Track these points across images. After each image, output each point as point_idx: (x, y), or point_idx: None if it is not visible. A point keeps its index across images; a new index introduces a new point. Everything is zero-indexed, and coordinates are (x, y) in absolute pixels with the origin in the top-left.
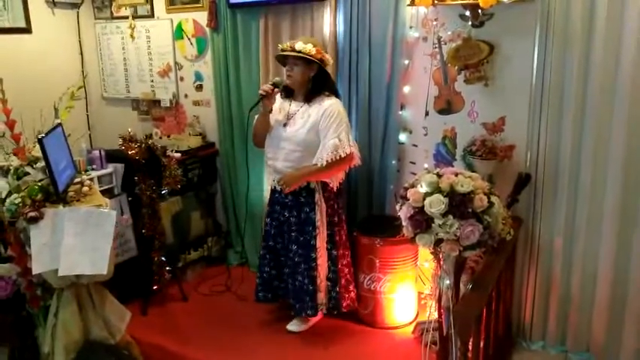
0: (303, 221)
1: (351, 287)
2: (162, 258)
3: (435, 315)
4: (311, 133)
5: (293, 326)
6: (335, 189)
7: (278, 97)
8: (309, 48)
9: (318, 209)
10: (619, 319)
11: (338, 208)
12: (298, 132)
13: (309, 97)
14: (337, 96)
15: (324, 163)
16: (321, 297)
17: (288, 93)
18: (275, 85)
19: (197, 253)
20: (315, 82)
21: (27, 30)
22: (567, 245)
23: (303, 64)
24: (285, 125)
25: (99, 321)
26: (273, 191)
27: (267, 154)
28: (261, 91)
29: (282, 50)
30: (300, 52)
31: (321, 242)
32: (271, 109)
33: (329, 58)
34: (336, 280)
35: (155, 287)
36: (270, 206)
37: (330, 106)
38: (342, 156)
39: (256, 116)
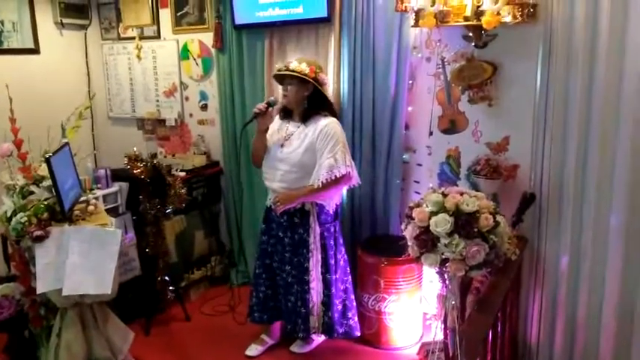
0: (296, 243)
1: (351, 314)
2: (166, 277)
3: (441, 336)
4: (307, 154)
5: (296, 347)
6: (332, 211)
7: (277, 118)
8: (303, 67)
9: (312, 232)
10: (627, 342)
11: (335, 231)
12: (294, 153)
13: (305, 117)
14: (335, 115)
15: (320, 183)
16: (314, 320)
17: (287, 114)
18: (269, 104)
19: (200, 272)
20: (311, 102)
21: (35, 50)
22: (573, 265)
23: (297, 84)
24: (282, 146)
25: (102, 341)
26: (269, 209)
27: (264, 175)
28: (255, 110)
29: (279, 70)
30: (293, 71)
31: (314, 265)
32: (267, 129)
33: (325, 77)
34: (329, 304)
35: (158, 307)
36: (266, 224)
37: (325, 125)
38: (338, 176)
39: (253, 137)
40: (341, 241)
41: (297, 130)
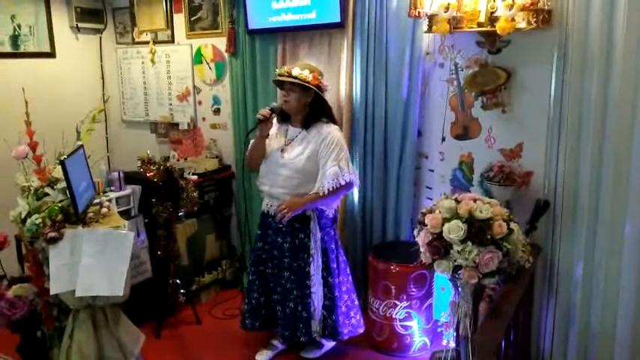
0: (297, 247)
1: (353, 313)
2: (177, 280)
3: (453, 343)
4: (310, 161)
5: (307, 352)
6: (331, 215)
7: (274, 122)
8: (306, 74)
9: (313, 236)
10: None
11: (334, 234)
12: (297, 159)
13: (306, 124)
14: (334, 122)
15: (326, 191)
16: (315, 324)
17: (285, 118)
18: (273, 110)
19: (211, 276)
20: (312, 109)
21: (51, 54)
22: (587, 274)
23: (299, 91)
24: (282, 151)
25: (113, 343)
26: (265, 215)
27: (261, 179)
28: (259, 116)
29: (279, 75)
30: (296, 78)
31: (315, 269)
32: (268, 134)
33: (326, 84)
34: (333, 307)
35: (169, 310)
36: (262, 230)
37: (329, 133)
38: (342, 184)
39: (252, 140)
40: (339, 243)
41: (299, 135)
